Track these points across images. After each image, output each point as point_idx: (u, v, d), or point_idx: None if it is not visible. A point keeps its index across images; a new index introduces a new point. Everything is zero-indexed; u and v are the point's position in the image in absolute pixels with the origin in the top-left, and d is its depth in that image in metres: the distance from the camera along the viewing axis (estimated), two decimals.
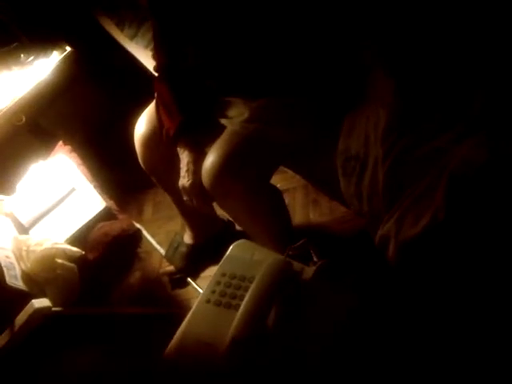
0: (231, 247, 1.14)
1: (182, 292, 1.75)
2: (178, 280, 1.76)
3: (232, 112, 1.28)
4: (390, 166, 0.96)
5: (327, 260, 1.01)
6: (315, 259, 1.03)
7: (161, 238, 1.92)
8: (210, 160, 1.28)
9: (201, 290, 1.69)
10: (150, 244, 1.89)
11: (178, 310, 1.65)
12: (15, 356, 1.14)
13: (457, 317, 1.07)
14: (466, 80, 0.98)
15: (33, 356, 1.17)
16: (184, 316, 1.08)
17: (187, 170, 1.29)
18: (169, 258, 1.79)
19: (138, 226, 1.92)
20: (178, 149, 1.30)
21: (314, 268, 1.01)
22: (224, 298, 1.01)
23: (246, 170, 1.27)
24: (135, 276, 1.76)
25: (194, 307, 1.03)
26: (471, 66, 0.99)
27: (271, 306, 0.97)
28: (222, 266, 1.07)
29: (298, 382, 0.94)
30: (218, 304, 1.00)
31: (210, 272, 1.72)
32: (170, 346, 1.06)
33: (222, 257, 1.66)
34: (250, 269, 1.03)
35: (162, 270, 1.80)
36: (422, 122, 0.97)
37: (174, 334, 1.08)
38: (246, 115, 1.23)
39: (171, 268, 1.77)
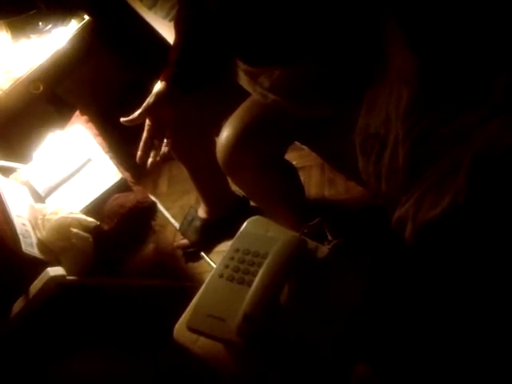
0: (245, 223, 1.14)
1: (195, 266, 1.75)
2: (192, 254, 1.77)
3: (251, 81, 1.24)
4: (411, 146, 0.94)
5: (342, 239, 1.00)
6: (330, 238, 1.02)
7: (175, 211, 1.92)
8: (226, 133, 1.26)
9: (214, 265, 1.69)
10: (165, 217, 1.89)
11: (191, 283, 1.66)
12: (29, 324, 1.16)
13: (471, 302, 1.06)
14: (491, 60, 0.94)
15: (47, 326, 1.19)
16: (196, 289, 1.08)
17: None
18: (183, 231, 1.79)
19: (153, 198, 1.93)
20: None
21: (328, 247, 1.00)
22: (237, 273, 1.01)
23: (262, 145, 1.26)
24: (149, 248, 1.77)
25: (206, 281, 1.03)
26: (496, 45, 0.95)
27: (284, 283, 0.96)
28: (236, 242, 1.07)
29: (308, 360, 0.94)
30: (231, 279, 1.00)
31: (224, 247, 1.73)
32: (181, 319, 1.07)
33: (235, 232, 1.67)
34: (264, 245, 1.02)
35: (175, 244, 1.81)
36: (445, 101, 0.93)
37: (185, 306, 1.09)
38: (266, 84, 1.20)
39: (185, 241, 1.77)
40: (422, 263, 1.07)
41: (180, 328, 1.06)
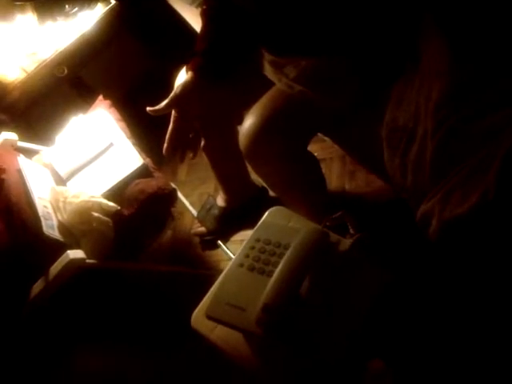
0: (267, 213, 1.13)
1: (211, 254, 1.76)
2: (209, 242, 1.77)
3: (277, 71, 1.23)
4: (441, 140, 0.92)
5: (365, 233, 0.99)
6: (352, 231, 1.01)
7: (193, 199, 1.92)
8: (249, 122, 1.25)
9: (230, 253, 1.70)
10: (183, 204, 1.89)
11: (208, 271, 1.66)
12: (49, 307, 1.16)
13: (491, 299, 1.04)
14: None
15: (66, 309, 1.19)
16: (213, 278, 1.08)
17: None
18: (200, 219, 1.79)
19: (172, 185, 1.93)
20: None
21: (351, 240, 0.99)
22: (257, 263, 1.00)
23: (285, 135, 1.24)
24: (167, 235, 1.78)
25: (226, 270, 1.03)
26: None
27: (305, 275, 0.95)
28: (257, 231, 1.06)
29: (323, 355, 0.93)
30: (251, 269, 0.99)
31: (241, 236, 1.73)
32: (199, 307, 1.07)
33: (253, 222, 1.66)
34: (286, 236, 1.02)
35: (193, 231, 1.81)
36: (478, 96, 0.92)
37: (201, 294, 1.08)
38: (292, 75, 1.19)
39: (202, 229, 1.77)
40: (444, 260, 1.05)
41: (198, 316, 1.05)
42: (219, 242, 1.75)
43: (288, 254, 0.95)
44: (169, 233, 1.81)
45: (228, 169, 1.61)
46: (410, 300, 1.07)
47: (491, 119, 0.89)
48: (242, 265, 1.01)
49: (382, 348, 1.08)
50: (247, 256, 1.02)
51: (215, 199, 1.76)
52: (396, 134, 1.01)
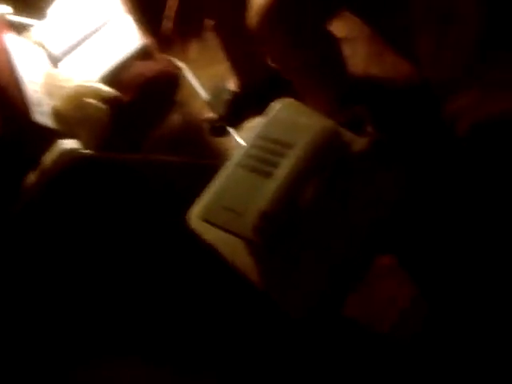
0: (275, 106, 1.00)
1: (222, 141, 1.65)
2: (219, 128, 1.66)
3: None
4: (485, 21, 0.76)
5: (383, 134, 0.86)
6: (370, 130, 0.89)
7: (204, 80, 1.76)
8: None
9: (241, 141, 1.59)
10: (193, 87, 1.76)
11: (217, 160, 1.57)
12: (43, 201, 1.10)
13: None
14: None
15: (62, 204, 1.13)
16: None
17: None
18: (211, 103, 1.66)
19: (180, 64, 1.78)
20: None
21: (366, 140, 0.87)
22: (260, 163, 0.90)
23: (301, 9, 1.08)
24: (175, 120, 1.66)
25: (224, 169, 0.93)
26: None
27: (311, 178, 0.85)
28: (263, 128, 0.94)
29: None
30: (253, 170, 0.89)
31: (252, 124, 1.61)
32: (197, 204, 0.99)
33: (266, 109, 1.54)
34: (294, 134, 0.90)
35: (203, 116, 1.69)
36: None
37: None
38: None
39: (213, 115, 1.66)
40: (468, 164, 0.93)
41: (195, 213, 0.98)
42: (230, 128, 1.64)
43: (293, 156, 0.85)
44: (177, 118, 1.69)
45: (241, 49, 1.45)
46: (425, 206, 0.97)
47: None
48: (242, 164, 0.91)
49: (395, 243, 1.00)
50: (249, 155, 0.91)
51: (227, 84, 1.62)
52: (432, 13, 0.85)
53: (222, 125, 1.64)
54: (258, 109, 1.59)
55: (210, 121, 1.66)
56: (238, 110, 1.61)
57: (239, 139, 1.61)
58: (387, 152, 0.87)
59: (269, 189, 0.84)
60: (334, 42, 1.21)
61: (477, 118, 0.80)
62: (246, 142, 0.94)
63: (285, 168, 0.85)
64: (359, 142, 0.88)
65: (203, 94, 1.73)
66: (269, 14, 1.09)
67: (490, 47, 0.79)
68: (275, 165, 0.88)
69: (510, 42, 0.79)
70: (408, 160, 0.88)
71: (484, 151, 0.87)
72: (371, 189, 0.87)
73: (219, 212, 0.88)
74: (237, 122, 1.63)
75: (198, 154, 1.57)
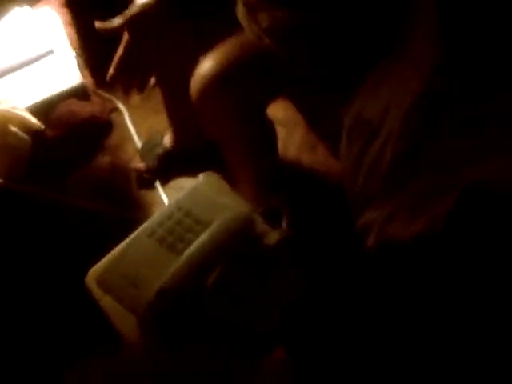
0: (198, 178, 0.99)
1: (146, 194, 1.61)
2: (146, 181, 1.62)
3: (249, 16, 1.06)
4: (403, 149, 0.79)
5: (295, 232, 0.87)
6: (284, 225, 0.89)
7: (142, 129, 1.74)
8: (206, 66, 1.09)
9: (165, 199, 1.57)
10: (129, 132, 1.73)
11: (136, 214, 1.53)
12: None
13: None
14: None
15: None
16: (140, 222, 0.94)
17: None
18: (142, 154, 1.63)
19: (120, 106, 1.75)
20: None
21: (277, 237, 0.87)
22: (170, 236, 0.87)
23: (244, 88, 1.09)
24: (101, 163, 1.61)
25: (133, 236, 0.90)
26: None
27: (217, 263, 0.84)
28: (181, 200, 0.93)
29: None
30: (160, 241, 0.87)
31: (180, 183, 1.59)
32: (97, 265, 0.94)
33: (196, 172, 1.53)
34: (209, 212, 0.89)
35: (132, 165, 1.66)
36: (460, 110, 0.78)
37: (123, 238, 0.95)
38: (264, 24, 1.03)
39: (142, 165, 1.63)
40: (375, 272, 0.95)
41: (94, 274, 0.93)
42: (157, 183, 1.61)
43: (203, 236, 0.83)
44: (105, 160, 1.65)
45: (182, 109, 1.45)
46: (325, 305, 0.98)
47: (465, 142, 0.76)
48: (151, 234, 0.88)
49: (287, 337, 0.99)
50: (161, 225, 0.89)
51: (163, 137, 1.60)
52: (359, 126, 0.88)
53: (149, 177, 1.61)
54: (188, 170, 1.59)
55: (138, 171, 1.62)
56: (167, 167, 1.59)
57: (163, 196, 1.58)
58: (295, 251, 0.87)
59: (171, 266, 0.81)
60: (269, 127, 1.23)
61: (383, 237, 0.82)
62: (161, 211, 0.92)
63: (193, 247, 0.83)
64: (271, 236, 0.88)
65: (137, 141, 1.70)
66: (211, 85, 1.09)
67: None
68: (184, 241, 0.86)
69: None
70: (313, 262, 0.89)
71: (389, 266, 0.89)
72: (271, 284, 0.86)
73: (116, 279, 0.84)
74: (165, 178, 1.61)
75: (120, 202, 1.53)
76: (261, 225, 0.89)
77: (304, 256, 0.88)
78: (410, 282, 0.88)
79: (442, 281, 0.83)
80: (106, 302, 0.88)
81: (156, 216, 0.91)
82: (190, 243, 0.85)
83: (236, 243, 0.84)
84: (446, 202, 0.74)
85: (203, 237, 0.83)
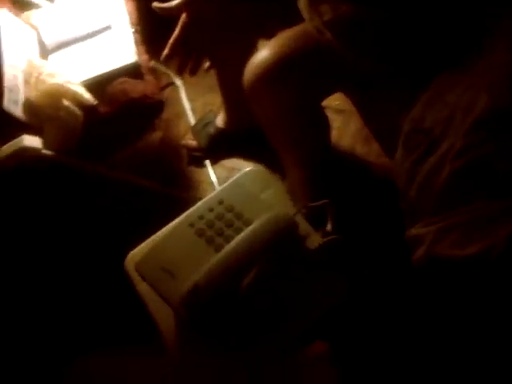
0: (242, 172, 0.96)
1: (195, 171, 1.61)
2: (196, 158, 1.62)
3: (311, 8, 1.01)
4: (463, 167, 0.74)
5: (339, 236, 0.83)
6: (328, 228, 0.86)
7: (197, 105, 1.73)
8: (263, 55, 1.06)
9: (214, 177, 1.56)
10: (183, 108, 1.72)
11: (185, 192, 1.53)
12: None
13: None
14: None
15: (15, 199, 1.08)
16: (188, 201, 0.92)
17: None
18: (195, 131, 1.63)
19: (177, 82, 1.74)
20: None
21: (320, 241, 0.84)
22: (210, 229, 0.86)
23: (299, 82, 1.06)
24: (153, 139, 1.62)
25: (174, 224, 0.90)
26: None
27: (256, 263, 0.82)
28: (222, 192, 0.91)
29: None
30: (200, 234, 0.86)
31: (231, 163, 1.58)
32: (138, 248, 0.94)
33: (247, 154, 1.50)
34: (252, 208, 0.87)
35: (183, 141, 1.65)
36: None
37: (172, 216, 0.94)
38: (327, 16, 0.98)
39: (194, 143, 1.62)
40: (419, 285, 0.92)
41: (134, 258, 0.93)
42: (207, 161, 1.60)
43: (244, 232, 0.81)
44: (157, 135, 1.65)
45: (235, 92, 1.41)
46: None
47: None
48: (192, 225, 0.87)
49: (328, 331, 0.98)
50: (201, 218, 0.87)
51: (216, 116, 1.59)
52: (417, 135, 0.83)
53: (200, 156, 1.60)
54: (239, 151, 1.57)
55: (189, 148, 1.62)
56: (218, 146, 1.57)
57: (212, 175, 1.57)
58: (338, 256, 0.84)
59: (209, 261, 0.80)
60: (324, 121, 1.18)
61: (433, 254, 0.78)
62: (203, 201, 0.91)
63: (231, 244, 0.81)
64: (313, 239, 0.85)
65: (191, 118, 1.69)
66: (267, 75, 1.06)
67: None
68: (223, 236, 0.85)
69: None
70: (360, 270, 0.86)
71: (434, 283, 0.85)
72: (311, 287, 0.84)
73: (154, 266, 0.84)
74: (215, 158, 1.59)
75: (168, 180, 1.53)
76: (304, 226, 0.86)
77: (349, 262, 0.85)
78: (452, 297, 0.84)
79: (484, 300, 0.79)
80: (143, 288, 0.88)
81: (196, 207, 0.89)
82: (229, 239, 0.83)
83: (276, 244, 0.82)
84: (506, 229, 0.69)
85: (243, 235, 0.81)
